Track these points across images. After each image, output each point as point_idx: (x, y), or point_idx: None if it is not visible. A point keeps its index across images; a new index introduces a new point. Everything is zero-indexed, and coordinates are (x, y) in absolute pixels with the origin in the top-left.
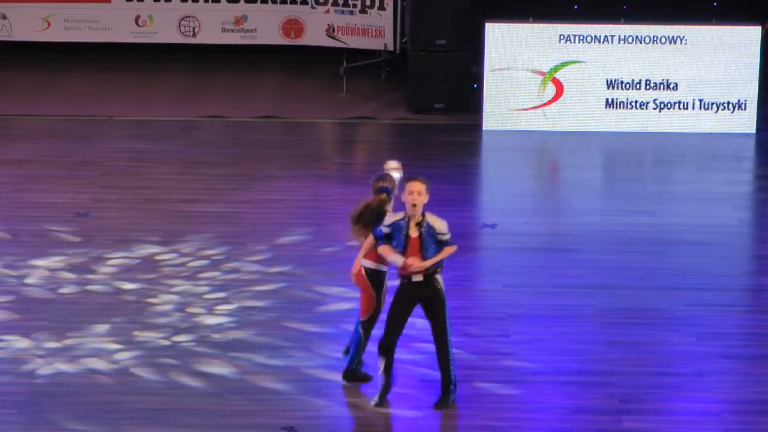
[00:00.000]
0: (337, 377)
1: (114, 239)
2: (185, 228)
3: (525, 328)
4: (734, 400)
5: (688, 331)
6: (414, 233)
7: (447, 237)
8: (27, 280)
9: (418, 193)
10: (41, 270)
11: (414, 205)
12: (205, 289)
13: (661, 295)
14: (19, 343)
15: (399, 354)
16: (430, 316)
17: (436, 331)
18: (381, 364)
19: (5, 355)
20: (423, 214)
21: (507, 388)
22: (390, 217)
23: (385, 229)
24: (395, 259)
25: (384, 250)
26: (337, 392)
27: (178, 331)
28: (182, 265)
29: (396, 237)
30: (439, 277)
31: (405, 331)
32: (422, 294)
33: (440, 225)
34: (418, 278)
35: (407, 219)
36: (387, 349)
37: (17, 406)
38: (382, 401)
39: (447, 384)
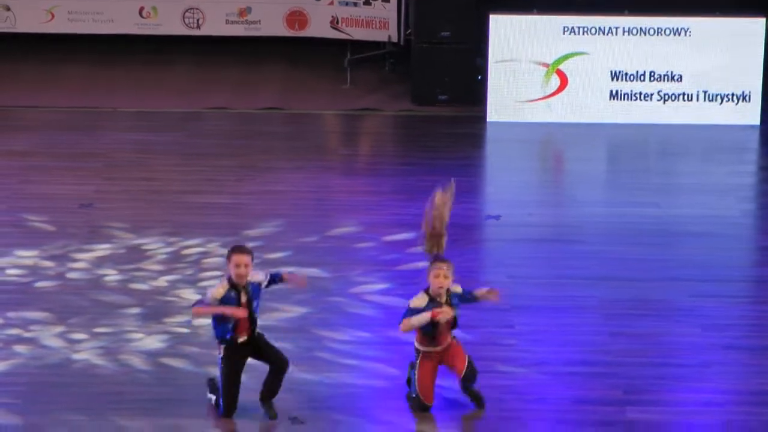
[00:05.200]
0: (346, 362)
1: (119, 230)
2: (189, 219)
3: (529, 319)
4: (738, 391)
5: (692, 322)
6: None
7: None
8: (15, 271)
9: (245, 265)
10: (46, 261)
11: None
12: (212, 280)
13: (665, 287)
14: (22, 333)
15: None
16: (264, 357)
17: (278, 357)
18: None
19: (10, 346)
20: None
21: (510, 378)
22: None
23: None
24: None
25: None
26: (341, 383)
27: (182, 323)
28: (187, 255)
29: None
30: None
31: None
32: (248, 350)
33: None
34: (243, 339)
35: None
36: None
37: (19, 396)
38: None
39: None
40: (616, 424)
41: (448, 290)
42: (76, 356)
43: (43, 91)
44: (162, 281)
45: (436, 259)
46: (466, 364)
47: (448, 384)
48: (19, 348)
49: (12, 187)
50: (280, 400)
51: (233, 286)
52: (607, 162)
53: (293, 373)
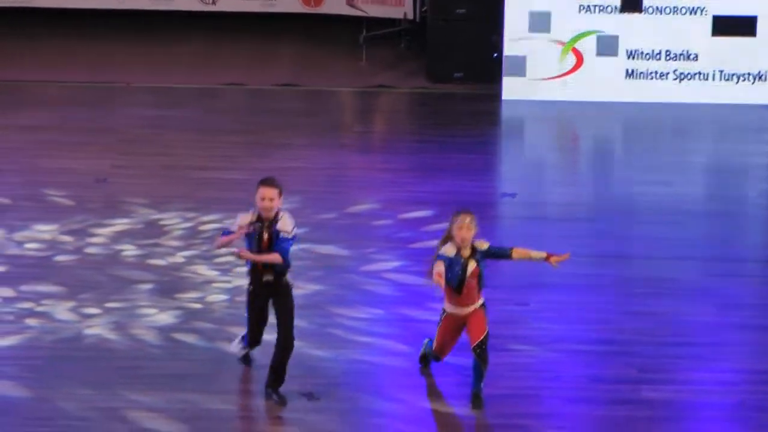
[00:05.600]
0: (360, 339)
1: (136, 206)
2: (206, 195)
3: (544, 297)
4: (752, 371)
5: (707, 301)
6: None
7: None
8: (32, 245)
9: (270, 198)
10: (63, 236)
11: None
12: (228, 256)
13: (679, 265)
14: (34, 307)
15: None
16: (277, 314)
17: (284, 318)
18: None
19: (23, 320)
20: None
21: (525, 356)
22: None
23: None
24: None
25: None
26: (355, 360)
27: (196, 299)
28: (204, 231)
29: None
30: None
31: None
32: (272, 291)
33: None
34: (269, 278)
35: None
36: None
37: (31, 370)
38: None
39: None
40: (630, 403)
41: (473, 245)
42: (89, 331)
43: (58, 67)
44: (178, 257)
45: (460, 211)
46: (483, 336)
47: (463, 362)
48: (32, 322)
49: (29, 161)
50: (295, 376)
51: (259, 219)
52: (622, 141)
53: (308, 349)
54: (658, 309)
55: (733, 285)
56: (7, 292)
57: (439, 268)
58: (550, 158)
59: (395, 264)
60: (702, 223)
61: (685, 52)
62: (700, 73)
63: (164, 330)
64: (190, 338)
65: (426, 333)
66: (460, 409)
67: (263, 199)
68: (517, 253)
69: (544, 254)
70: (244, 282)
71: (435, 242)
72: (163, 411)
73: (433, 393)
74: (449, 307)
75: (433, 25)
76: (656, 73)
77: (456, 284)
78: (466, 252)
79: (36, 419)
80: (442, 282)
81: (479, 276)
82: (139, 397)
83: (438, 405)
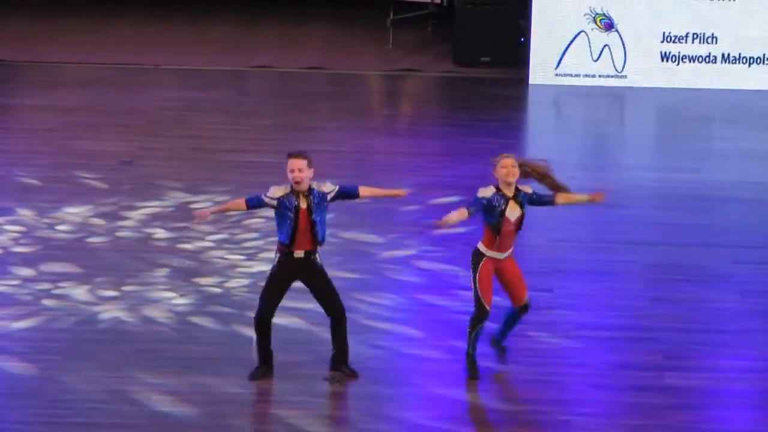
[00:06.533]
0: (379, 325)
1: (165, 189)
2: (234, 178)
3: (569, 283)
4: None
5: (733, 288)
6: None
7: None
8: (60, 227)
9: (299, 169)
10: (93, 218)
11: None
12: (255, 241)
13: (706, 252)
14: (57, 289)
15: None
16: (316, 292)
17: (331, 304)
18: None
19: (41, 301)
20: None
21: (549, 342)
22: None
23: None
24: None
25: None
26: (375, 346)
27: (215, 283)
28: (230, 216)
29: None
30: (317, 255)
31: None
32: (301, 270)
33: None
34: (299, 254)
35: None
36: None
37: (52, 352)
38: (256, 377)
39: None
40: (654, 389)
41: (516, 187)
42: (107, 314)
43: (87, 48)
44: (207, 241)
45: (501, 154)
46: (527, 293)
47: (486, 351)
48: (50, 303)
49: (60, 143)
50: (312, 362)
51: (293, 191)
52: (649, 126)
53: (327, 334)
54: (683, 296)
55: (760, 272)
56: (28, 272)
57: (459, 212)
58: (576, 143)
59: (420, 250)
60: (729, 209)
61: (712, 37)
62: (728, 59)
63: (182, 314)
64: (207, 322)
65: (446, 320)
66: (482, 395)
67: (292, 170)
68: (561, 198)
69: (586, 196)
70: (267, 267)
71: (461, 229)
72: (179, 394)
73: (453, 380)
74: (489, 252)
75: (460, 9)
76: (687, 57)
77: (495, 224)
78: (510, 192)
79: (53, 401)
80: (448, 221)
81: (521, 222)
82: (155, 380)
83: (457, 392)
